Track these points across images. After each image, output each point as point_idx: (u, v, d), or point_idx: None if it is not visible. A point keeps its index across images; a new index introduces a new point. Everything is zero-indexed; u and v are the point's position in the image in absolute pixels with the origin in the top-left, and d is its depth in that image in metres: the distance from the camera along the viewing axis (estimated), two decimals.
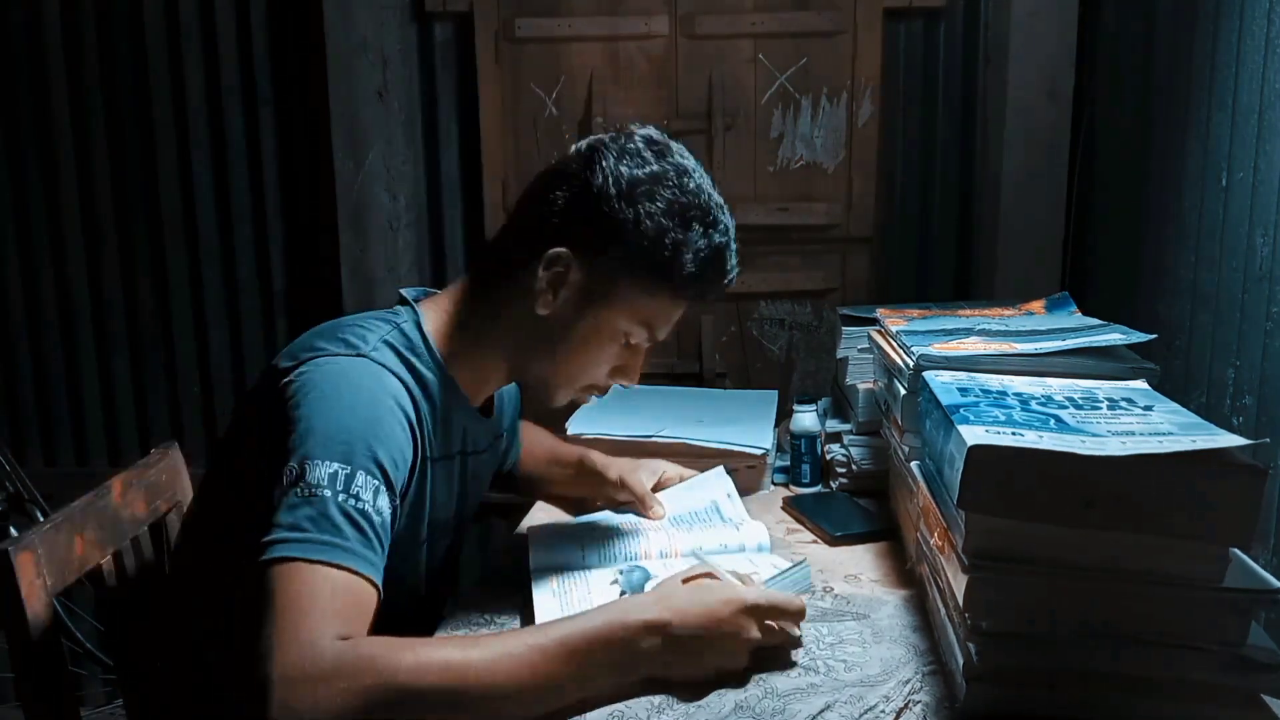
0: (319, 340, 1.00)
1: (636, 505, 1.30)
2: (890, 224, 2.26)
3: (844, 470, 1.47)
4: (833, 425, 1.55)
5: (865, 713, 0.86)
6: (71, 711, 1.09)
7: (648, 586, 1.04)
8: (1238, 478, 0.77)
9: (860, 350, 1.54)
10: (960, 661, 0.84)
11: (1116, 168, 1.93)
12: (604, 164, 1.03)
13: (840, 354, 1.59)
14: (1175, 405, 0.94)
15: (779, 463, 1.54)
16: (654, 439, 1.47)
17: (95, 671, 2.31)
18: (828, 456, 1.51)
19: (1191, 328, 1.56)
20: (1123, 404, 0.95)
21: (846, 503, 1.39)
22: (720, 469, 1.40)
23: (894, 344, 1.28)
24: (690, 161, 1.07)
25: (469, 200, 2.28)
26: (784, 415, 1.61)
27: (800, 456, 1.48)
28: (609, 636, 0.87)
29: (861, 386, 1.49)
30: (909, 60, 2.21)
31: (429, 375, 1.04)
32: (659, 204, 1.02)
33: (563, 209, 1.04)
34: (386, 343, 1.02)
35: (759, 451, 1.45)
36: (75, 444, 2.40)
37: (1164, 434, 0.84)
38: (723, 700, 0.88)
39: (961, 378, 1.04)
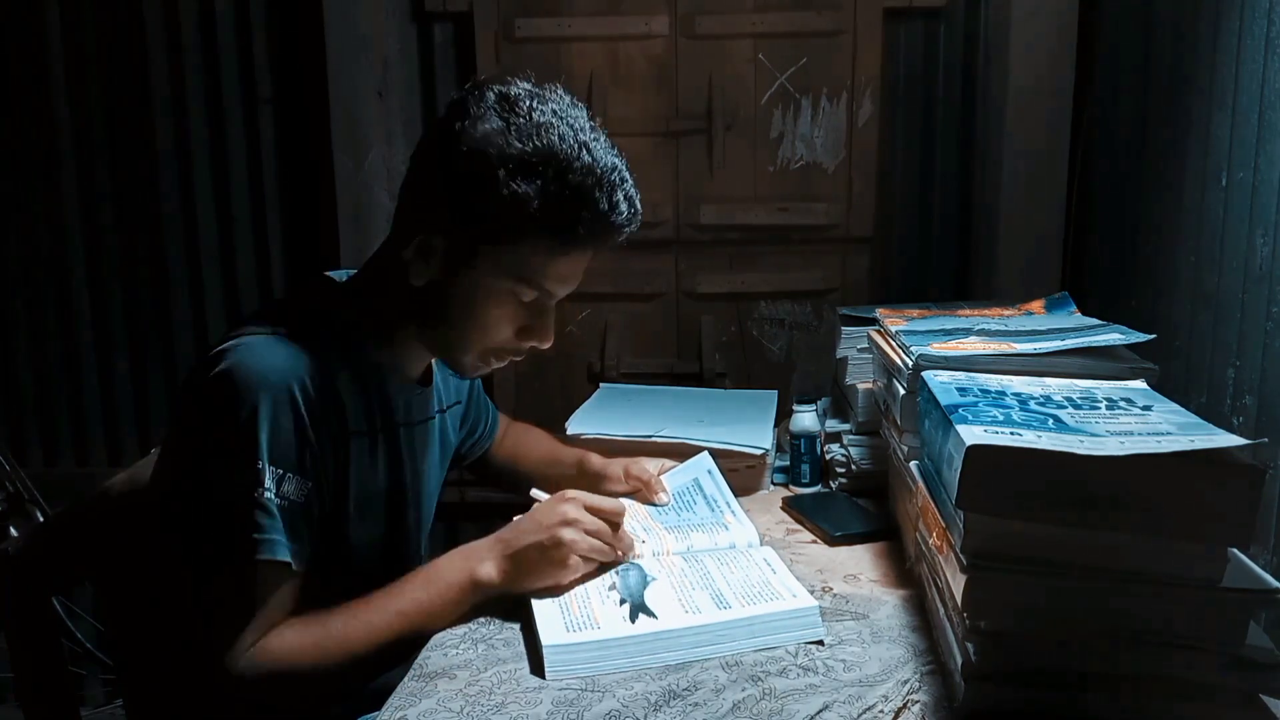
0: (249, 322, 1.05)
1: (644, 492, 1.32)
2: (890, 224, 2.26)
3: (843, 470, 1.47)
4: (832, 425, 1.55)
5: (864, 712, 0.86)
6: (71, 711, 1.09)
7: (647, 587, 1.05)
8: (1237, 478, 0.77)
9: (860, 350, 1.54)
10: (959, 661, 0.84)
11: (1116, 167, 1.93)
12: (454, 128, 1.03)
13: (840, 354, 1.59)
14: (1174, 405, 0.94)
15: (779, 463, 1.54)
16: (654, 439, 1.47)
17: (95, 671, 2.31)
18: (827, 456, 1.51)
19: (1191, 328, 1.56)
20: (1121, 404, 0.95)
21: (846, 503, 1.39)
22: (704, 454, 1.40)
23: (893, 344, 1.28)
24: (549, 110, 1.03)
25: None
26: (784, 415, 1.61)
27: (800, 456, 1.48)
28: (459, 588, 1.05)
29: (861, 386, 1.50)
30: (909, 60, 2.21)
31: (352, 349, 1.09)
32: (491, 153, 1.01)
33: (415, 185, 1.09)
34: (306, 316, 1.07)
35: (758, 451, 1.45)
36: (75, 444, 2.41)
37: (1163, 434, 0.84)
38: (721, 699, 0.88)
39: (960, 377, 1.04)
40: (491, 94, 1.04)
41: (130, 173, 2.30)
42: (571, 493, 1.10)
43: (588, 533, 1.06)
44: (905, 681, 0.91)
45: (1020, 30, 2.06)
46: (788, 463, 1.51)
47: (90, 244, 2.33)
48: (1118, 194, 1.92)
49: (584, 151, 1.02)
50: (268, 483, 0.97)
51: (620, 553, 1.11)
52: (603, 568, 1.10)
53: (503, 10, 2.18)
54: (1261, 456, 0.78)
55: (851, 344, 1.56)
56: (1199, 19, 1.56)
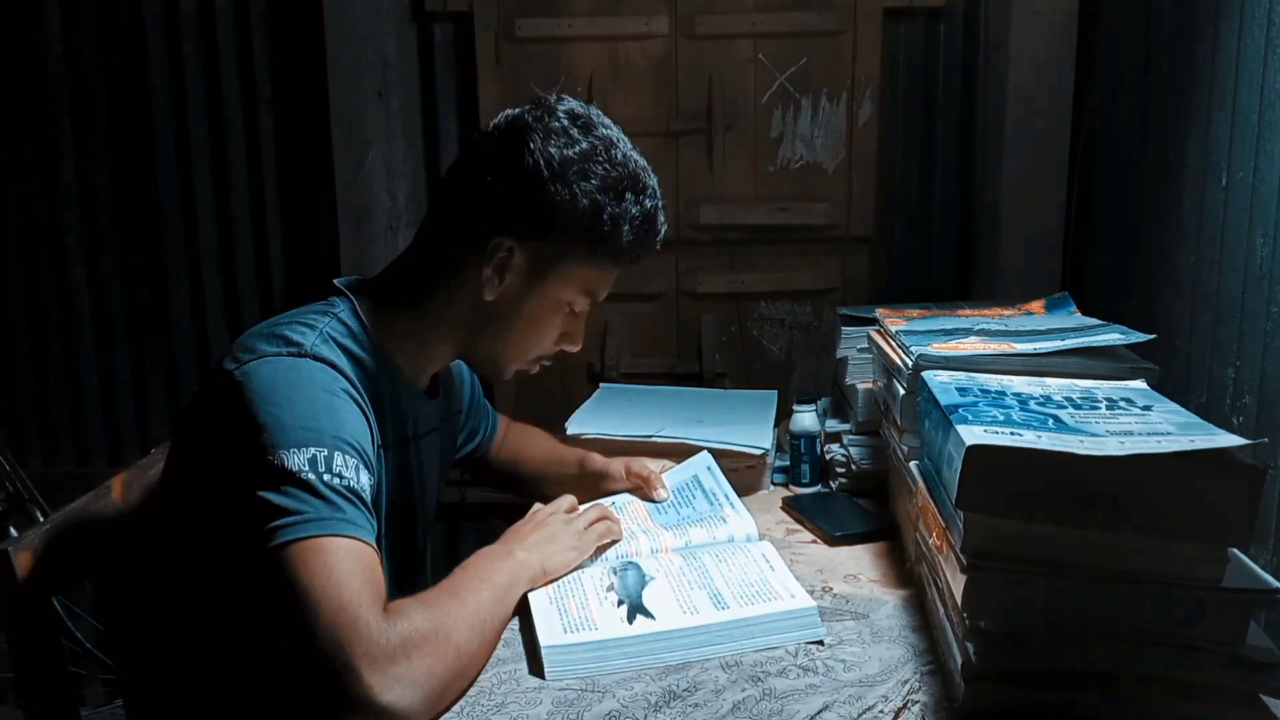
0: (258, 342, 0.99)
1: (644, 489, 1.33)
2: (890, 224, 2.26)
3: (843, 470, 1.47)
4: (832, 425, 1.55)
5: (864, 712, 0.86)
6: (71, 711, 1.09)
7: (645, 588, 1.05)
8: (1237, 478, 0.77)
9: (860, 350, 1.54)
10: (959, 661, 0.84)
11: (1116, 168, 1.93)
12: (532, 146, 1.04)
13: (840, 354, 1.59)
14: (1174, 405, 0.94)
15: (779, 463, 1.54)
16: (654, 439, 1.47)
17: (95, 671, 2.31)
18: (827, 456, 1.51)
19: (1191, 328, 1.56)
20: (1121, 404, 0.95)
21: (846, 503, 1.39)
22: (704, 453, 1.41)
23: (893, 344, 1.28)
24: (614, 131, 1.10)
25: None
26: (784, 415, 1.61)
27: (800, 456, 1.48)
28: (512, 568, 1.03)
29: (861, 386, 1.49)
30: (909, 60, 2.21)
31: (370, 363, 1.06)
32: (593, 181, 1.05)
33: (497, 194, 1.06)
34: (327, 336, 1.03)
35: (758, 451, 1.45)
36: (75, 444, 2.41)
37: (1162, 434, 0.84)
38: (721, 700, 0.88)
39: (960, 377, 1.04)
40: (562, 113, 1.07)
41: (130, 173, 2.30)
42: (548, 506, 1.18)
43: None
44: (905, 681, 0.91)
45: (1020, 30, 2.06)
46: (788, 463, 1.51)
47: (90, 244, 2.33)
48: (1118, 194, 1.92)
49: (649, 175, 1.10)
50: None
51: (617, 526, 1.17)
52: (603, 558, 1.14)
53: (503, 10, 2.18)
54: (1261, 456, 0.78)
55: (851, 344, 1.56)
56: (1199, 19, 1.56)
